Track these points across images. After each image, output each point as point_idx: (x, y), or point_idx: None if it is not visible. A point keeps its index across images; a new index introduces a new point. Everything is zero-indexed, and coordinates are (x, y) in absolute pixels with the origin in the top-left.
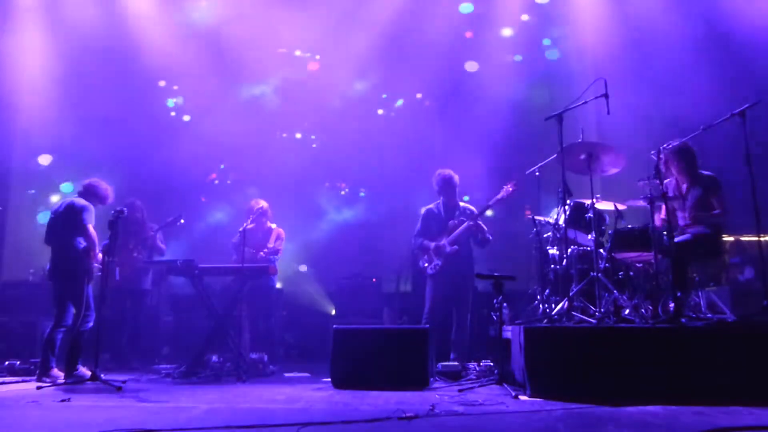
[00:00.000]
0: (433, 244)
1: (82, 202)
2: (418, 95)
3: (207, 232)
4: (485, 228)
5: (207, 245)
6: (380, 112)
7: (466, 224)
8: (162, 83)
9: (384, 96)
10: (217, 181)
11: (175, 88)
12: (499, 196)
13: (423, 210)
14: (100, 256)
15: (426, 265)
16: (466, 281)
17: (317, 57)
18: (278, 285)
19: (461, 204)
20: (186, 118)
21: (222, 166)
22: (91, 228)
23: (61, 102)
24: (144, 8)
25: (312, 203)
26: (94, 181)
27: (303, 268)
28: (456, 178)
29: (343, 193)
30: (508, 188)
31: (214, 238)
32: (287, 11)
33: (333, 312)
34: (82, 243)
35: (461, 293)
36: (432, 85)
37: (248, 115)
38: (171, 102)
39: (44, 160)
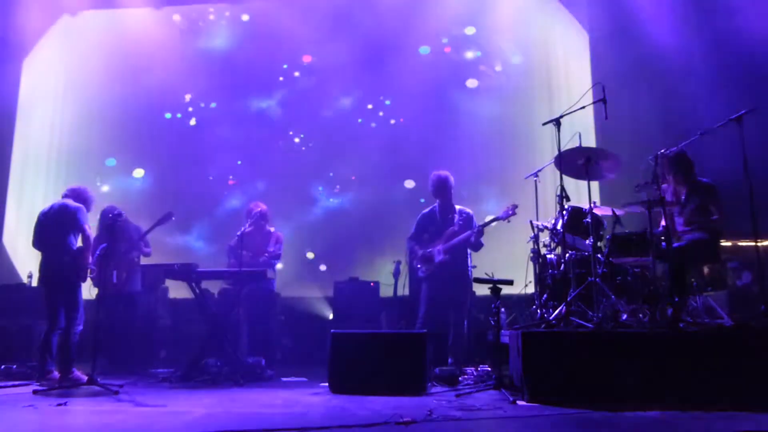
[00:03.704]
0: (420, 252)
1: (75, 203)
2: (399, 119)
3: (225, 215)
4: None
5: (226, 229)
6: (368, 112)
7: (465, 234)
8: (188, 97)
9: (369, 106)
10: (232, 178)
11: (202, 105)
12: (500, 215)
13: (420, 214)
14: (91, 258)
15: (418, 266)
16: (463, 285)
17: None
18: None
19: (457, 207)
20: (192, 122)
21: (239, 162)
22: (87, 228)
23: (75, 107)
24: (173, 37)
25: (307, 196)
26: (82, 186)
27: (310, 255)
28: (452, 179)
29: (336, 185)
30: (509, 210)
31: (231, 221)
32: (288, 37)
33: (331, 316)
34: (76, 244)
35: (458, 297)
36: (415, 94)
37: (257, 122)
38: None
39: (138, 173)
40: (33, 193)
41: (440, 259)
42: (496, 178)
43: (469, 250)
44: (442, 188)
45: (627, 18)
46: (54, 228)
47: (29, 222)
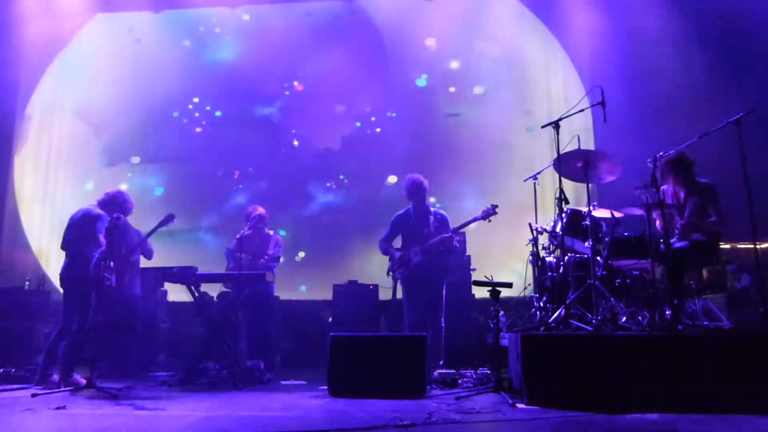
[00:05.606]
0: (398, 254)
1: (97, 210)
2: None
3: (232, 210)
4: (455, 238)
5: (232, 224)
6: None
7: (441, 236)
8: (196, 99)
9: (358, 123)
10: (237, 174)
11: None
12: (478, 216)
13: (394, 215)
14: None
15: (395, 269)
16: (438, 285)
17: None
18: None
19: (432, 209)
20: (201, 125)
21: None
22: (101, 237)
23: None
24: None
25: (305, 196)
26: (115, 191)
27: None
28: (425, 182)
29: (332, 185)
30: (489, 210)
31: (237, 216)
32: (287, 52)
33: (330, 319)
34: (93, 252)
35: (434, 297)
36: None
37: (261, 127)
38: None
39: (159, 191)
40: (63, 195)
41: (417, 261)
42: (497, 182)
43: (444, 253)
44: (416, 191)
45: (626, 17)
46: (75, 233)
47: (26, 225)
